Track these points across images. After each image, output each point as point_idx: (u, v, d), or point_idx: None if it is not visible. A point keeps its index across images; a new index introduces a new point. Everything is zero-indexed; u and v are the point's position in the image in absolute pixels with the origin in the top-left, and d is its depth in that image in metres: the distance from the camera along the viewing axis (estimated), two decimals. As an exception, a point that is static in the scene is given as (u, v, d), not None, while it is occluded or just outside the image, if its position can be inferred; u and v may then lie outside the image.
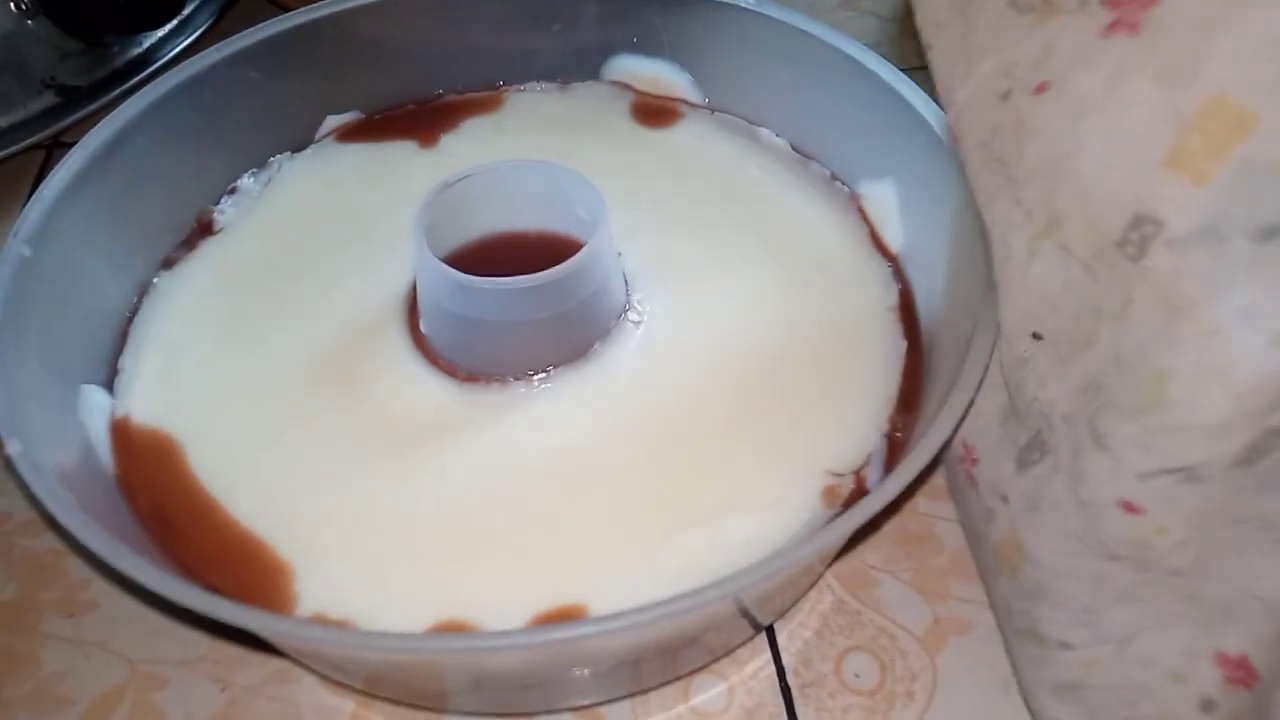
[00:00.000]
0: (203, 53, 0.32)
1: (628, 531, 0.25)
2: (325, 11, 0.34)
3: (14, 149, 0.39)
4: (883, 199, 0.32)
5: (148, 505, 0.26)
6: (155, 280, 0.31)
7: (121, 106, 0.30)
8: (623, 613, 0.19)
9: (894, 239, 0.31)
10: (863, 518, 0.20)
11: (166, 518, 0.25)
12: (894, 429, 0.27)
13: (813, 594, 0.28)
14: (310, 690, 0.27)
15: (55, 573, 0.29)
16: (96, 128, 0.29)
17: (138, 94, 0.30)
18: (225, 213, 0.33)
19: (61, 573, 0.29)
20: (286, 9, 0.34)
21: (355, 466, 0.26)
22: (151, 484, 0.26)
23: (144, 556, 0.21)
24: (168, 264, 0.31)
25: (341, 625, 0.23)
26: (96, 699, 0.27)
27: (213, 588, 0.24)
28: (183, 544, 0.25)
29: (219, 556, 0.25)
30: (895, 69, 0.31)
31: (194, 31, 0.44)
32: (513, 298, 0.26)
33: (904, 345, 0.29)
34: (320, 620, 0.23)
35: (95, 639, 0.28)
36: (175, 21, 0.44)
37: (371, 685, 0.26)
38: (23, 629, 0.28)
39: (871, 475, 0.26)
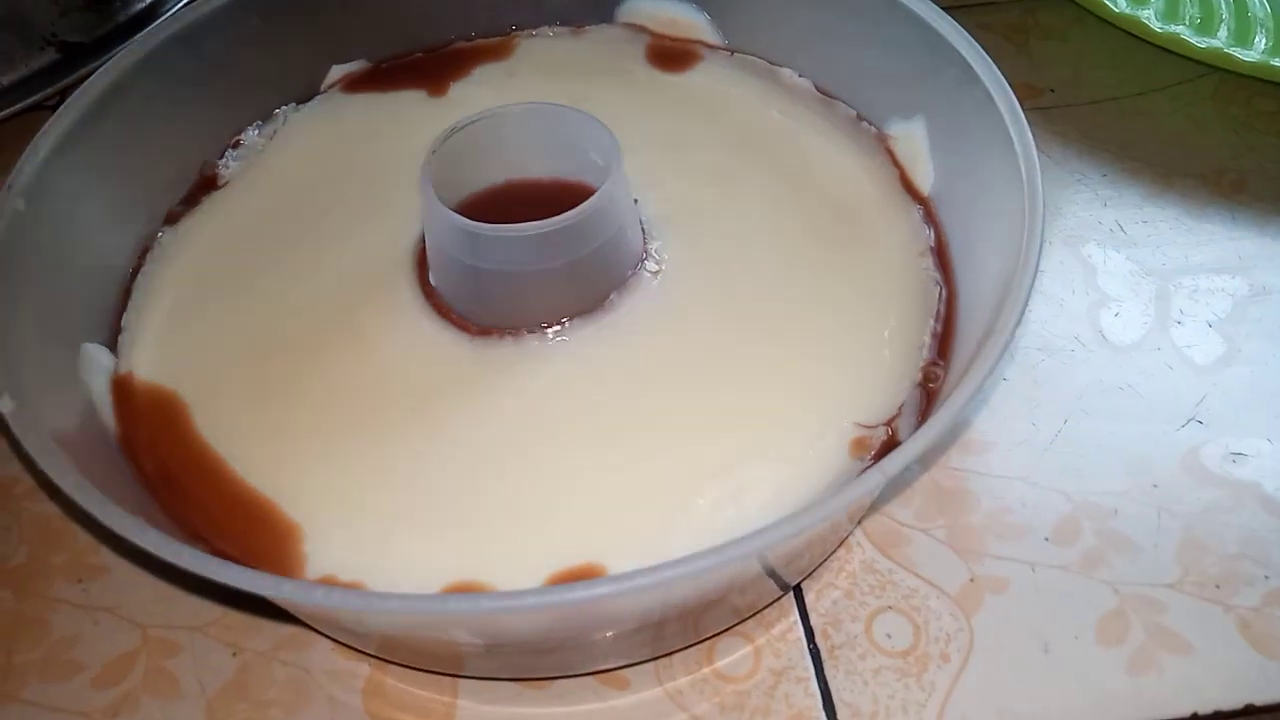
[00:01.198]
0: (197, 2, 0.30)
1: (648, 488, 0.24)
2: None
3: (16, 108, 0.38)
4: (913, 139, 0.30)
5: (152, 466, 0.25)
6: (159, 236, 0.30)
7: (115, 58, 0.29)
8: (640, 571, 0.18)
9: (925, 181, 0.30)
10: (894, 470, 0.19)
11: (171, 478, 0.25)
12: (928, 379, 0.25)
13: (841, 553, 0.27)
14: (324, 655, 0.26)
15: (65, 537, 0.28)
16: (90, 80, 0.28)
17: (131, 45, 0.29)
18: (229, 167, 0.32)
19: (72, 537, 0.28)
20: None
21: (365, 424, 0.25)
22: (155, 444, 0.25)
23: (143, 518, 0.20)
24: (171, 219, 0.30)
25: (351, 587, 0.22)
26: (108, 664, 0.26)
27: (219, 550, 0.23)
28: (188, 505, 0.24)
29: (225, 518, 0.24)
30: (924, 0, 0.29)
31: (198, -16, 0.43)
32: (524, 245, 0.25)
33: (938, 291, 0.27)
34: (329, 582, 0.22)
35: (106, 604, 0.27)
36: (178, -25, 0.43)
37: (385, 650, 0.25)
38: (33, 594, 0.27)
39: (904, 427, 0.25)
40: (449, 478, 0.24)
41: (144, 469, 0.25)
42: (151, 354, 0.27)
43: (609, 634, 0.23)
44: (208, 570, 0.18)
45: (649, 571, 0.18)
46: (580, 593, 0.18)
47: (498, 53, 0.35)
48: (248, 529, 0.24)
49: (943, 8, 0.29)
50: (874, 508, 0.28)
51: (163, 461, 0.25)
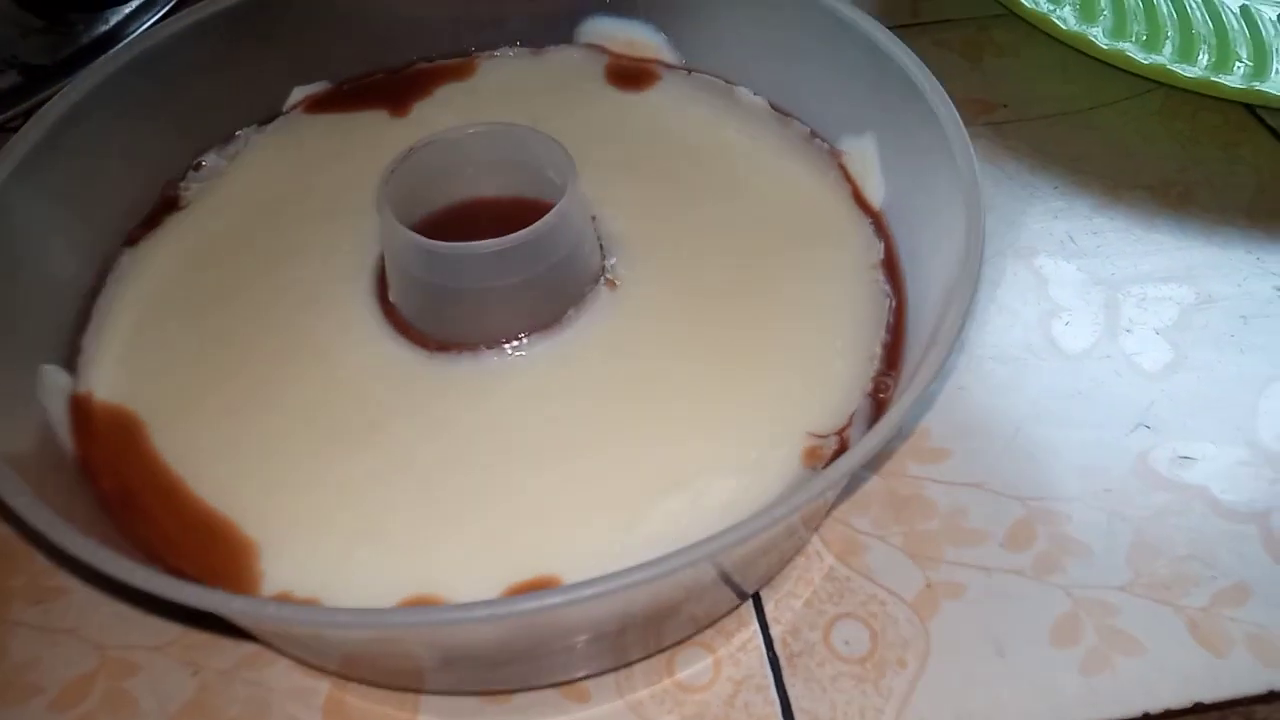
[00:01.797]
0: (159, 24, 0.31)
1: (605, 500, 0.24)
2: (288, -20, 0.33)
3: (-24, 131, 0.38)
4: (864, 155, 0.31)
5: (110, 486, 0.25)
6: (119, 258, 0.30)
7: (75, 80, 0.29)
8: (592, 581, 0.18)
9: (876, 195, 0.30)
10: (838, 476, 0.20)
11: (129, 498, 0.25)
12: (878, 389, 0.26)
13: (801, 561, 0.28)
14: (284, 673, 0.26)
15: (23, 559, 0.28)
16: (49, 104, 0.28)
17: (90, 68, 0.29)
18: (190, 188, 0.32)
19: (29, 559, 0.28)
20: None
21: (322, 441, 0.26)
22: (114, 464, 0.25)
23: (100, 538, 0.20)
24: (132, 241, 0.30)
25: (307, 603, 0.22)
26: (66, 686, 0.26)
27: (176, 569, 0.23)
28: (146, 525, 0.24)
29: (182, 537, 0.24)
30: (874, 20, 0.30)
31: (161, 8, 0.43)
32: (480, 262, 0.25)
33: (888, 303, 0.28)
34: (285, 599, 0.23)
35: (65, 626, 0.27)
36: (142, -1, 0.43)
37: (345, 667, 0.25)
38: (-10, 618, 0.27)
39: (855, 436, 0.25)
40: (406, 493, 0.25)
41: (102, 489, 0.25)
42: (110, 374, 0.27)
43: (568, 645, 0.23)
44: (158, 587, 0.18)
45: (599, 581, 0.18)
46: (531, 603, 0.18)
47: (459, 73, 0.36)
48: (205, 547, 0.24)
49: (900, 25, 0.30)
50: (832, 516, 0.28)
51: (121, 481, 0.25)
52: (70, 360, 0.28)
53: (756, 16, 0.33)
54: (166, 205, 0.31)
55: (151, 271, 0.30)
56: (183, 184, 0.32)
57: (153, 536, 0.24)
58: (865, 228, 0.30)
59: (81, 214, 0.29)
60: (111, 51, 0.30)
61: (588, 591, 0.18)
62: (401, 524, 0.24)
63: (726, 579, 0.24)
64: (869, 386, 0.26)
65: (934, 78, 0.27)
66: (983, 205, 0.24)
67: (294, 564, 0.23)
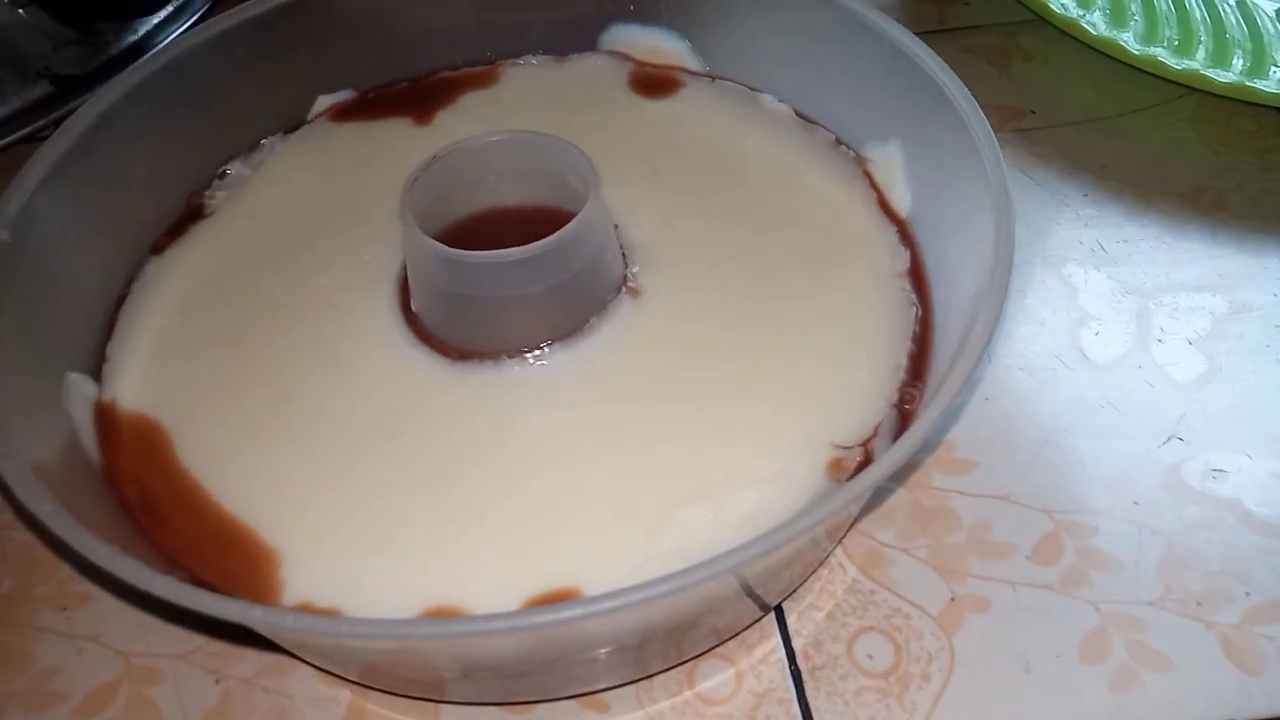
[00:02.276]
0: (185, 34, 0.31)
1: (626, 511, 0.24)
2: (314, -11, 0.33)
3: (9, 139, 0.38)
4: (889, 162, 0.31)
5: (134, 494, 0.25)
6: (145, 266, 0.30)
7: (102, 90, 0.29)
8: (612, 594, 0.18)
9: (902, 203, 0.30)
10: (862, 489, 0.19)
11: (152, 506, 0.25)
12: (903, 400, 0.26)
13: (824, 573, 0.27)
14: (306, 681, 0.26)
15: (50, 566, 0.29)
16: (77, 113, 0.28)
17: (118, 78, 0.29)
18: (216, 197, 0.32)
19: (55, 567, 0.28)
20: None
21: (345, 450, 0.26)
22: (138, 472, 0.25)
23: (123, 546, 0.20)
24: (157, 249, 0.31)
25: (327, 613, 0.22)
26: (90, 694, 0.26)
27: (198, 577, 0.23)
28: (169, 533, 0.24)
29: (204, 545, 0.24)
30: (900, 26, 0.29)
31: (190, 16, 0.43)
32: (502, 271, 0.25)
33: (914, 312, 0.27)
34: (305, 608, 0.23)
35: (89, 633, 0.27)
36: (171, 7, 0.43)
37: (366, 676, 0.25)
38: (15, 624, 0.27)
39: (880, 447, 0.25)
40: (428, 502, 0.24)
41: (126, 497, 0.25)
42: (135, 382, 0.27)
43: (588, 657, 0.23)
44: (178, 596, 0.18)
45: (619, 594, 0.18)
46: (550, 616, 0.18)
47: (483, 81, 0.36)
48: (226, 556, 0.24)
49: (927, 32, 0.29)
50: (855, 528, 0.28)
51: (144, 489, 0.25)
52: (96, 368, 0.28)
53: (781, 22, 0.33)
54: (192, 214, 0.32)
55: (177, 280, 0.30)
56: (208, 193, 0.32)
57: (175, 544, 0.24)
58: (890, 236, 0.29)
59: (108, 222, 0.30)
60: (138, 62, 0.30)
61: (607, 605, 0.18)
62: (422, 533, 0.24)
63: (749, 591, 0.24)
64: (894, 397, 0.26)
65: (961, 83, 0.27)
66: (1012, 213, 0.24)
67: (315, 573, 0.23)
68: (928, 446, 0.29)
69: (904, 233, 0.29)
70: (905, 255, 0.29)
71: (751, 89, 0.34)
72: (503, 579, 0.23)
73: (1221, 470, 0.29)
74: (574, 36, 0.36)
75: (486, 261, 0.25)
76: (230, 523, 0.24)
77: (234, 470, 0.25)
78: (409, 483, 0.25)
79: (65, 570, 0.28)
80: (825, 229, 0.30)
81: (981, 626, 0.26)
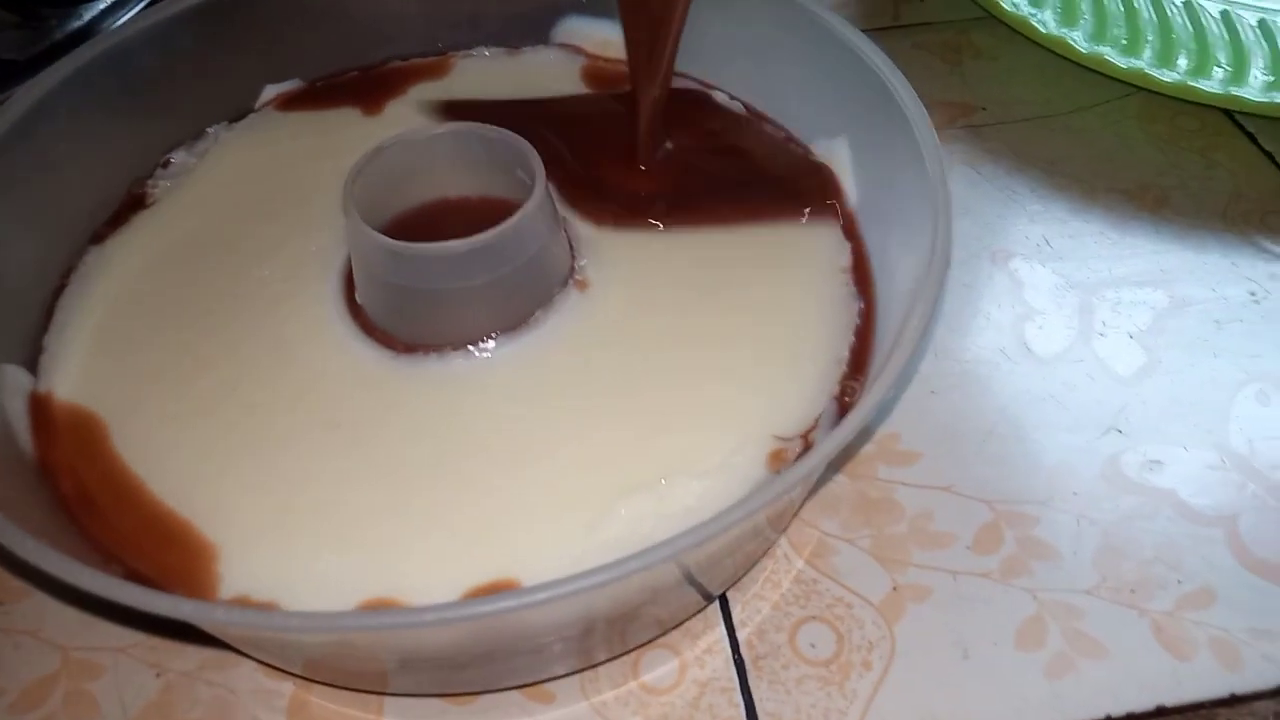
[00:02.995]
0: (128, 20, 0.31)
1: (568, 502, 0.24)
2: (260, -24, 0.32)
3: (-52, 127, 0.38)
4: (837, 158, 0.31)
5: (70, 487, 0.25)
6: (85, 256, 0.30)
7: (41, 76, 0.29)
8: (546, 584, 0.18)
9: (848, 198, 0.30)
10: (796, 479, 0.19)
11: (88, 499, 0.24)
12: (844, 392, 0.26)
13: (769, 564, 0.28)
14: (248, 675, 0.26)
15: (-14, 560, 0.28)
16: (11, 100, 0.28)
17: (56, 65, 0.29)
18: (159, 186, 0.32)
19: (-8, 560, 0.28)
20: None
21: (284, 442, 0.25)
22: (73, 464, 0.25)
23: (58, 540, 0.20)
24: (97, 239, 0.30)
25: (264, 606, 0.22)
26: (27, 688, 0.26)
27: (134, 571, 0.23)
28: (105, 527, 0.24)
29: (141, 538, 0.24)
30: (849, 23, 0.29)
31: (137, 3, 0.43)
32: (445, 263, 0.25)
33: (857, 306, 0.28)
34: (243, 602, 0.22)
35: (26, 627, 0.27)
36: (118, -6, 0.43)
37: (309, 669, 0.25)
38: (-49, 618, 0.27)
39: (820, 439, 0.25)
40: (368, 495, 0.24)
41: (61, 490, 0.25)
42: (72, 374, 0.27)
43: (532, 647, 0.23)
44: (110, 592, 0.18)
45: (554, 585, 0.18)
46: (484, 607, 0.18)
47: (434, 72, 0.35)
48: (163, 549, 0.23)
49: (881, 28, 0.29)
50: (800, 518, 0.28)
51: (80, 482, 0.25)
52: (32, 359, 0.28)
53: (732, 18, 0.33)
54: (134, 203, 0.31)
55: (117, 270, 0.29)
56: (150, 181, 0.32)
57: (111, 538, 0.24)
58: (836, 230, 0.30)
59: (46, 212, 0.29)
60: (78, 49, 0.29)
61: (541, 595, 0.18)
62: (362, 527, 0.24)
63: (691, 580, 0.24)
64: (835, 390, 0.26)
65: (905, 80, 0.27)
66: (949, 209, 0.24)
67: (252, 567, 0.23)
68: (870, 437, 0.30)
69: (849, 227, 0.30)
70: (849, 249, 0.29)
71: (705, 85, 0.34)
72: (443, 571, 0.23)
73: (1158, 461, 0.29)
74: (526, 29, 0.36)
75: (429, 253, 0.25)
76: (167, 516, 0.24)
77: (172, 463, 0.25)
78: (350, 476, 0.25)
79: (0, 566, 0.28)
80: (771, 223, 0.30)
81: (922, 615, 0.27)
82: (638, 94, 0.31)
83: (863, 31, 0.29)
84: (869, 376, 0.25)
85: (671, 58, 0.30)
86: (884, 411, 0.30)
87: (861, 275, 0.28)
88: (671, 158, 0.32)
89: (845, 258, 0.29)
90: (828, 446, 0.20)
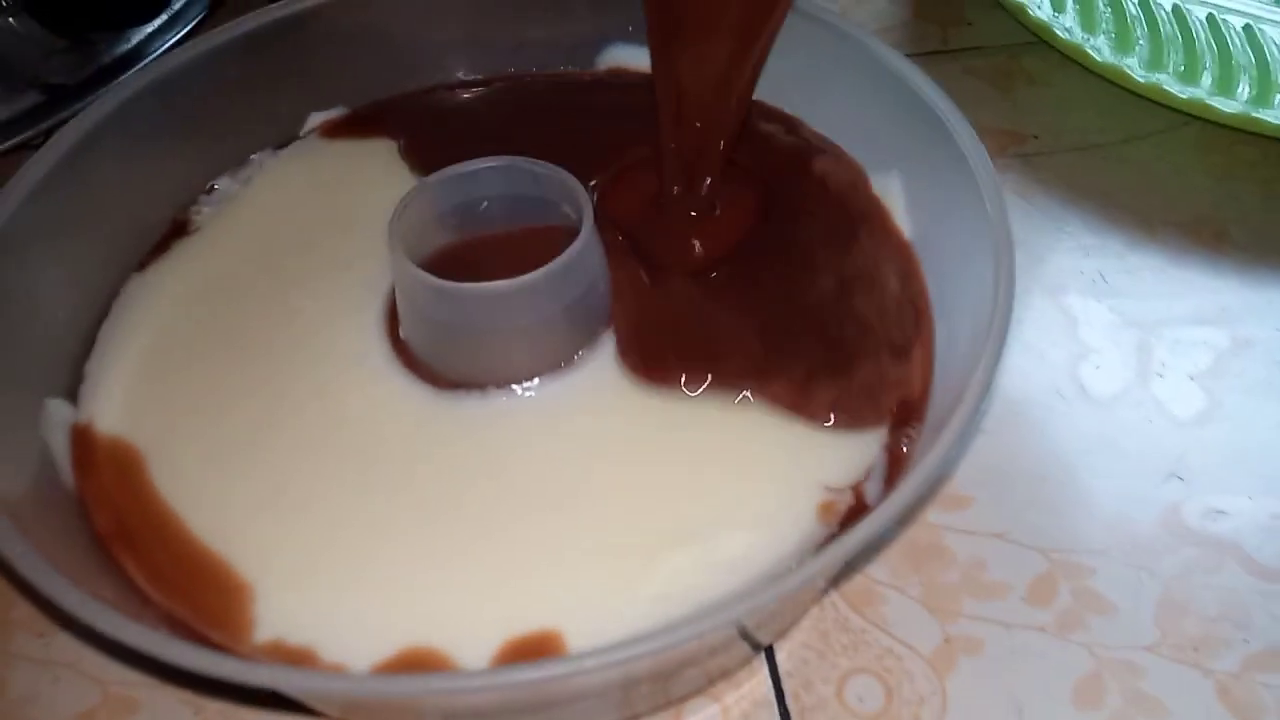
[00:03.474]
0: (174, 50, 0.31)
1: (612, 551, 0.24)
2: (307, 4, 0.32)
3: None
4: (890, 194, 0.30)
5: (106, 519, 0.24)
6: (127, 284, 0.30)
7: (89, 106, 0.29)
8: (594, 651, 0.18)
9: (902, 235, 0.29)
10: (859, 542, 0.19)
11: (124, 533, 0.24)
12: (897, 442, 0.25)
13: (815, 611, 0.27)
14: (285, 714, 0.26)
15: (25, 590, 0.28)
16: (63, 130, 0.28)
17: (105, 94, 0.29)
18: (202, 213, 0.32)
19: (31, 591, 0.28)
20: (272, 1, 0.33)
21: (324, 480, 0.25)
22: (111, 497, 0.25)
23: (91, 577, 0.20)
24: (140, 267, 0.30)
25: (300, 652, 0.22)
26: (65, 723, 0.26)
27: (168, 610, 0.23)
28: (141, 562, 0.24)
29: (177, 576, 0.23)
30: (901, 55, 0.29)
31: (184, 26, 0.43)
32: (491, 303, 0.25)
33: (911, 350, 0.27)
34: (278, 646, 0.22)
35: (66, 660, 0.27)
36: (164, 17, 0.43)
37: (346, 713, 0.24)
38: (-9, 650, 0.27)
39: (871, 490, 0.24)
40: (406, 538, 0.24)
41: (98, 522, 0.24)
42: (112, 404, 0.27)
43: (573, 703, 0.23)
44: (148, 645, 0.18)
45: (603, 652, 0.18)
46: (530, 674, 0.17)
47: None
48: (199, 589, 0.23)
49: (930, 52, 0.29)
50: (848, 566, 0.28)
51: (117, 515, 0.25)
52: (73, 388, 0.27)
53: (782, 47, 0.32)
54: (176, 230, 0.31)
55: (158, 299, 0.29)
56: (194, 208, 0.32)
57: (146, 573, 0.23)
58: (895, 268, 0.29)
59: (93, 240, 0.29)
60: (126, 76, 0.30)
61: (591, 662, 0.17)
62: (400, 570, 0.24)
63: (743, 636, 0.23)
64: (886, 439, 0.25)
65: (962, 115, 0.27)
66: (1013, 256, 0.23)
67: (288, 610, 0.23)
68: (927, 491, 0.29)
69: (906, 267, 0.29)
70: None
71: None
72: (482, 619, 0.22)
73: (1221, 511, 0.28)
74: (571, 56, 0.35)
75: (476, 293, 0.25)
76: (204, 554, 0.24)
77: (209, 498, 0.25)
78: (389, 517, 0.24)
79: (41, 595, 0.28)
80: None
81: (974, 669, 0.26)
82: (696, 130, 0.29)
83: (911, 57, 0.29)
84: (924, 424, 0.25)
85: (753, 79, 0.28)
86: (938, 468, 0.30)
87: (918, 318, 0.27)
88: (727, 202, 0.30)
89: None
90: (889, 507, 0.19)
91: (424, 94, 0.35)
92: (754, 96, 0.30)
